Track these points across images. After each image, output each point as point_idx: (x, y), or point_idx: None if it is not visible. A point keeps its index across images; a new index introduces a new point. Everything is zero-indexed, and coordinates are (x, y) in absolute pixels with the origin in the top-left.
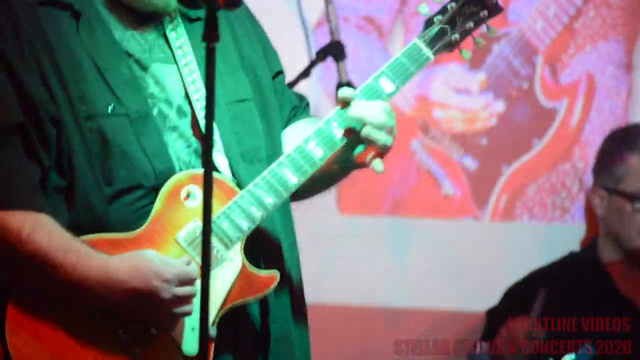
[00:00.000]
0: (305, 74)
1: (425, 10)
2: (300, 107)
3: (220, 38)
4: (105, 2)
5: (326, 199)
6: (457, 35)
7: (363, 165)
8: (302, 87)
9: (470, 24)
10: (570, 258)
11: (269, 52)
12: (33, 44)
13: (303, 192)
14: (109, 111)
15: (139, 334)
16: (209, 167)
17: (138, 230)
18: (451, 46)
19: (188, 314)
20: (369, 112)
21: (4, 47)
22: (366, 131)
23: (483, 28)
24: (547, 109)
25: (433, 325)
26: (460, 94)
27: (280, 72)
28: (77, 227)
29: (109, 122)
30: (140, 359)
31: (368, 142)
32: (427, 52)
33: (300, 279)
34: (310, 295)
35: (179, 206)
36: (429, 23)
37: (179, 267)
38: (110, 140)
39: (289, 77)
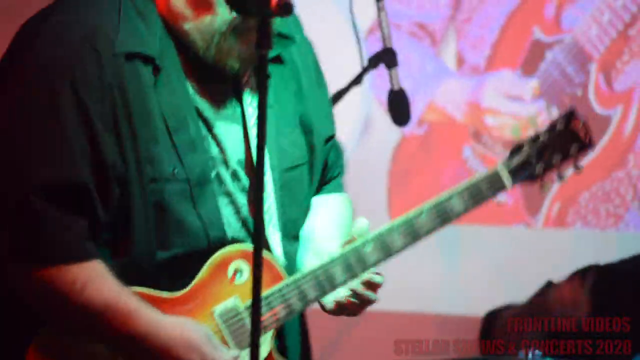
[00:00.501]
0: (357, 81)
1: (517, 132)
2: (335, 168)
3: (284, 94)
4: (185, 53)
5: (377, 204)
6: (541, 169)
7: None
8: (353, 95)
9: (558, 158)
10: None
11: (328, 113)
12: (114, 100)
13: None
14: (172, 175)
15: None
16: (259, 245)
17: (177, 293)
18: (532, 178)
19: None
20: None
21: (87, 101)
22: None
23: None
24: (601, 116)
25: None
26: (512, 100)
27: (332, 137)
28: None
29: (169, 186)
30: None
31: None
32: (507, 181)
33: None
34: None
35: (223, 280)
36: (516, 149)
37: (222, 353)
38: (169, 205)
39: (341, 84)
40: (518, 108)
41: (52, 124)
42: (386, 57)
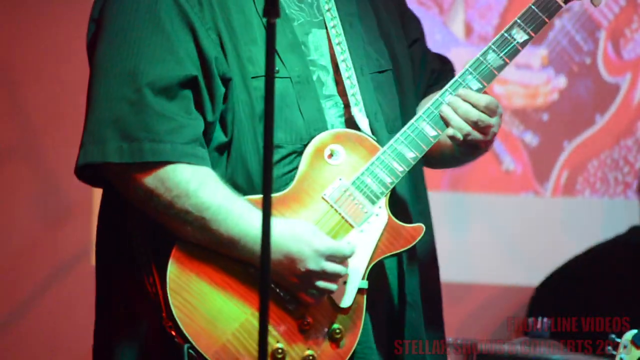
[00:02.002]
0: None
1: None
2: (442, 72)
3: (362, 6)
4: None
5: None
6: None
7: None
8: None
9: None
10: (633, 233)
11: (407, 19)
12: (212, 5)
13: (433, 161)
14: (274, 73)
15: (293, 292)
16: (268, 185)
17: (285, 191)
18: None
19: (331, 291)
20: (458, 111)
21: (185, 5)
22: (450, 132)
23: None
24: (610, 84)
25: (492, 300)
26: (520, 69)
27: (417, 40)
28: (230, 184)
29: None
30: (297, 314)
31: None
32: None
33: (431, 248)
34: None
35: (324, 165)
36: None
37: (333, 242)
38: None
39: None
40: (527, 76)
41: (155, 29)
42: None
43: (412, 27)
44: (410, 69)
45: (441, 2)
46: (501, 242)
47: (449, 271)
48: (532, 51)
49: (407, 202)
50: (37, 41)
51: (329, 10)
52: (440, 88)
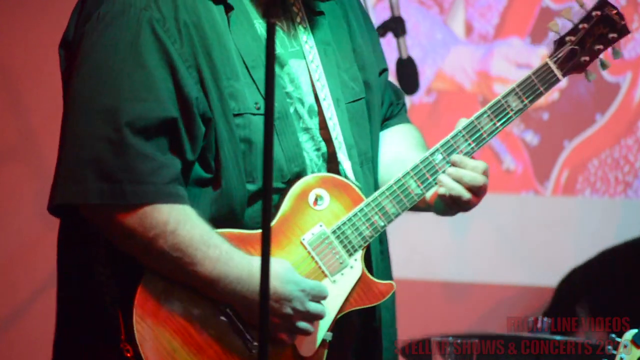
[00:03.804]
0: None
1: (557, 28)
2: (397, 106)
3: (338, 32)
4: None
5: None
6: (586, 57)
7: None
8: None
9: (600, 46)
10: None
11: (377, 48)
12: (191, 38)
13: None
14: (256, 109)
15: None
16: (268, 191)
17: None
18: (580, 67)
19: (308, 332)
20: (463, 180)
21: (166, 41)
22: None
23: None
24: (610, 83)
25: (492, 299)
26: (521, 68)
27: (385, 70)
28: (213, 220)
29: (255, 120)
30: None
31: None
32: (558, 73)
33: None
34: None
35: (306, 209)
36: (560, 43)
37: (316, 283)
38: (255, 139)
39: None
40: None
41: (136, 65)
42: (394, 26)
43: (382, 56)
44: (379, 98)
45: (441, 2)
46: (501, 241)
47: (449, 271)
48: (532, 51)
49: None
50: (37, 41)
51: (306, 41)
52: (396, 123)
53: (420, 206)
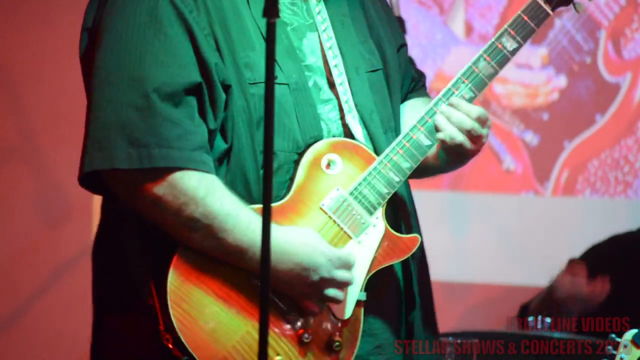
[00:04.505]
0: None
1: None
2: (419, 82)
3: (353, 7)
4: None
5: None
6: None
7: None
8: None
9: None
10: None
11: (393, 24)
12: (208, 8)
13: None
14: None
15: (295, 306)
16: (269, 165)
17: (282, 201)
18: (566, 1)
19: (338, 300)
20: (451, 119)
21: (184, 10)
22: (441, 135)
23: None
24: (610, 83)
25: (492, 300)
26: (521, 68)
27: (403, 45)
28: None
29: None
30: (296, 327)
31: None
32: (546, 7)
33: (422, 251)
34: None
35: (321, 175)
36: None
37: (342, 251)
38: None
39: None
40: (527, 76)
41: (157, 34)
42: None
43: (399, 33)
44: (398, 72)
45: (441, 2)
46: (501, 242)
47: (449, 271)
48: (532, 51)
49: (407, 201)
50: (37, 42)
51: (319, 12)
52: (417, 96)
53: (430, 162)
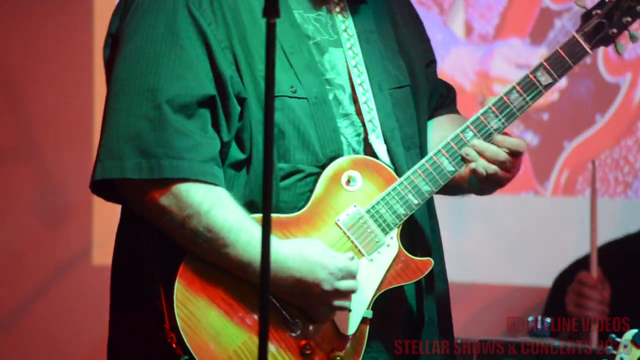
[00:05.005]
0: None
1: (582, 2)
2: (447, 98)
3: (381, 23)
4: None
5: None
6: (614, 30)
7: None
8: None
9: (628, 18)
10: None
11: (424, 38)
12: (227, 21)
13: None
14: (292, 92)
15: (299, 316)
16: (268, 185)
17: (299, 212)
18: (607, 40)
19: (345, 308)
20: (484, 154)
21: (202, 22)
22: (474, 165)
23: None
24: (610, 83)
25: (492, 300)
26: (521, 69)
27: (433, 62)
28: (248, 204)
29: (290, 102)
30: (299, 338)
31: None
32: (586, 46)
33: (442, 263)
34: None
35: (340, 190)
36: (586, 17)
37: (344, 261)
38: (291, 121)
39: None
40: None
41: (173, 46)
42: None
43: (429, 49)
44: (426, 89)
45: (441, 2)
46: (501, 242)
47: (449, 271)
48: (532, 51)
49: (420, 220)
50: (37, 42)
51: (345, 29)
52: (446, 113)
53: (459, 184)
